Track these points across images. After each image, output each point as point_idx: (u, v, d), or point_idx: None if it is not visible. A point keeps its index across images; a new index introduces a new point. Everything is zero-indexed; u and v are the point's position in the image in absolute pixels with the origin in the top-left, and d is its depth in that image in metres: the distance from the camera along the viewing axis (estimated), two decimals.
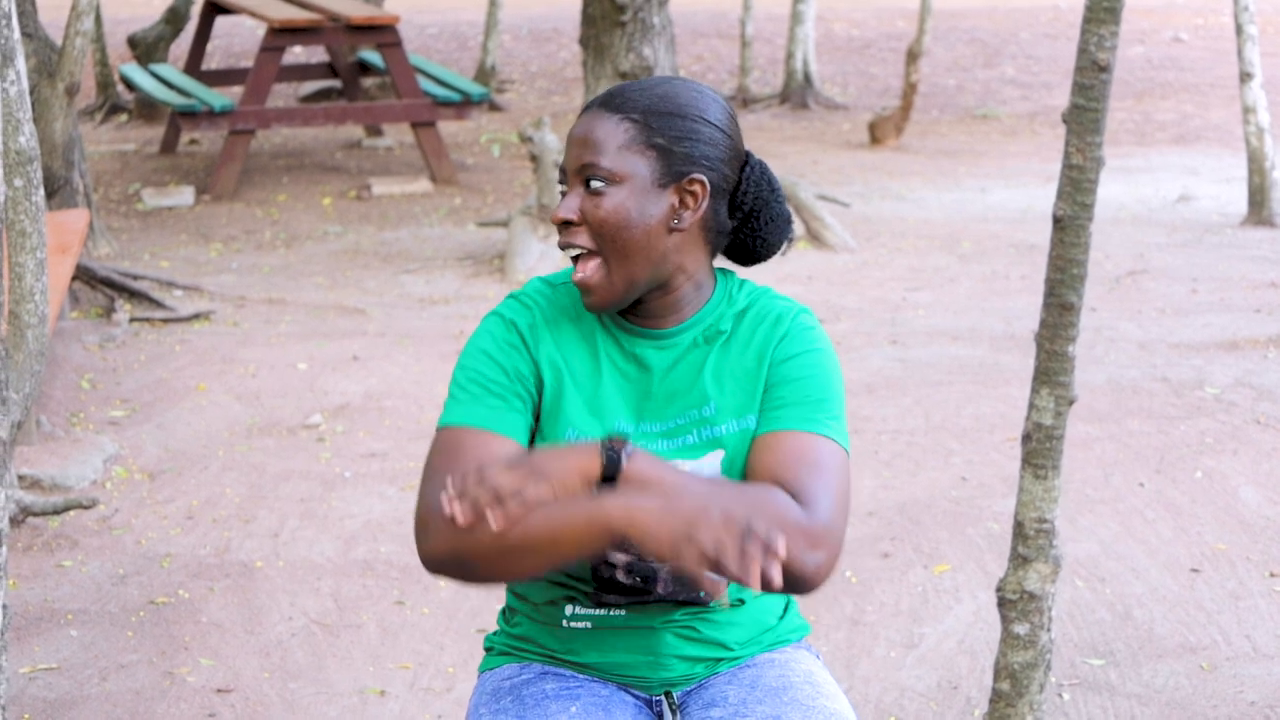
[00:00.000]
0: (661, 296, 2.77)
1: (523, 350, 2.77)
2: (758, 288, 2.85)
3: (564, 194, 2.76)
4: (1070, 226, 3.03)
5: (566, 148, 2.76)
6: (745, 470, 2.75)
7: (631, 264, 2.72)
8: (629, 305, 2.78)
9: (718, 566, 2.43)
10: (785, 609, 2.94)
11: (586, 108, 2.78)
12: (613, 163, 2.71)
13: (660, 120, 2.73)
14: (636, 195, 2.71)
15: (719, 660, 2.86)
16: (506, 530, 2.53)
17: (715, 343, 2.79)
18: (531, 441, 2.77)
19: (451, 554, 2.61)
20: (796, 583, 2.59)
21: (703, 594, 2.75)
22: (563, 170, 2.77)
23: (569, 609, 2.84)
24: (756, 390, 2.77)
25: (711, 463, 2.76)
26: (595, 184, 2.71)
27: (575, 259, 2.74)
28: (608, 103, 2.75)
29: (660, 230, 2.73)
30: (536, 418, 2.77)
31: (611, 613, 2.82)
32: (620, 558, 2.79)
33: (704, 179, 2.75)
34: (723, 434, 2.76)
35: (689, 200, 2.74)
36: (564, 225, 2.73)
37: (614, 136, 2.72)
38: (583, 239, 2.72)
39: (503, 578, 2.68)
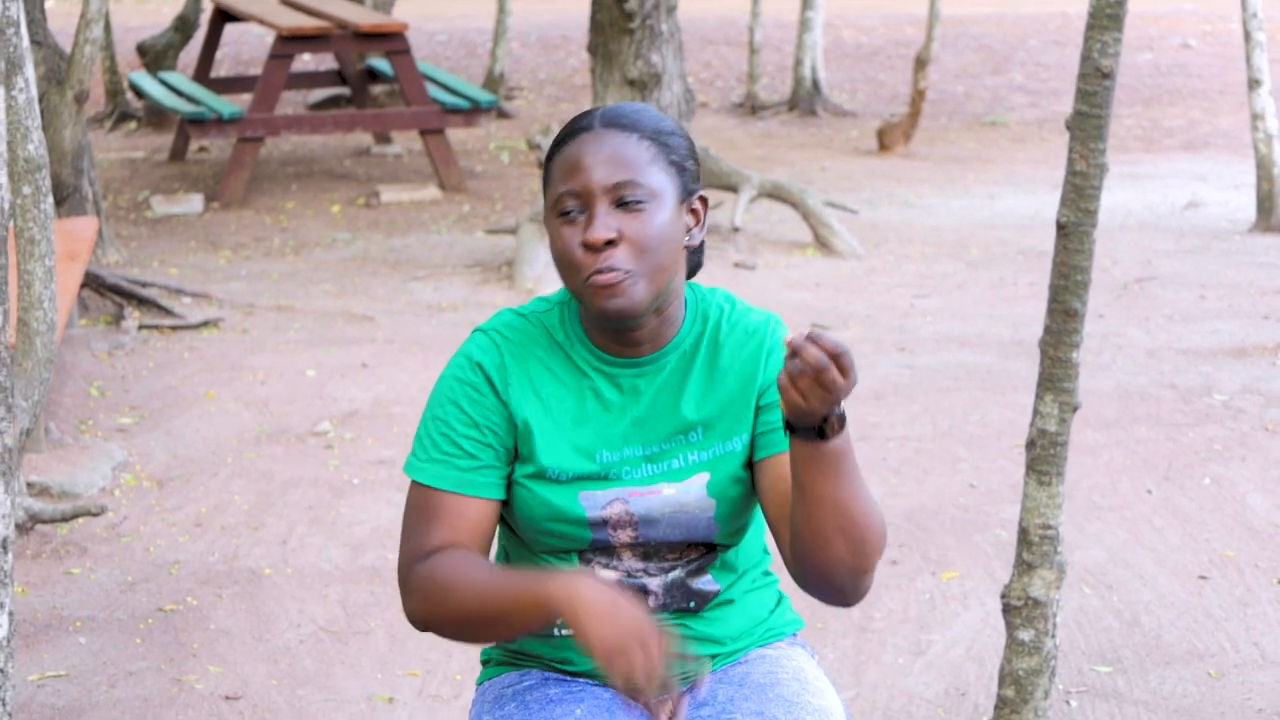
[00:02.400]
0: (654, 318, 2.74)
1: (491, 396, 2.76)
2: (721, 296, 2.85)
3: (573, 217, 2.68)
4: (1074, 233, 3.03)
5: (576, 170, 2.68)
6: (761, 494, 2.78)
7: (663, 278, 2.69)
8: (606, 336, 2.76)
9: (632, 691, 2.53)
10: (778, 602, 2.97)
11: (582, 128, 2.72)
12: (650, 180, 2.68)
13: (670, 139, 2.74)
14: (669, 212, 2.70)
15: (713, 656, 2.87)
16: (465, 612, 2.66)
17: (694, 364, 2.79)
18: (509, 483, 2.78)
19: (425, 623, 2.74)
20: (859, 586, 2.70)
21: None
22: (573, 193, 2.68)
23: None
24: (743, 414, 2.78)
25: (697, 484, 2.78)
26: (635, 202, 2.67)
27: (599, 277, 2.65)
28: (614, 122, 2.72)
29: (680, 247, 2.74)
30: (517, 453, 2.77)
31: None
32: (610, 575, 2.80)
33: (706, 197, 2.80)
34: (708, 458, 2.78)
35: (694, 218, 2.77)
36: (605, 246, 2.65)
37: (640, 154, 2.69)
38: (623, 259, 2.65)
39: (471, 643, 2.80)
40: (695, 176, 2.77)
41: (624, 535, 2.78)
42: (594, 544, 2.78)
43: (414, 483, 2.78)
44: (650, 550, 2.81)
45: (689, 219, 2.76)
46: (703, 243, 2.87)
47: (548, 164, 2.75)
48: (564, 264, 2.70)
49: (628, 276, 2.66)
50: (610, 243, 2.66)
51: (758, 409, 2.79)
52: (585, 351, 2.78)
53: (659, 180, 2.70)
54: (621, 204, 2.68)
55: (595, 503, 2.76)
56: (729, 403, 2.78)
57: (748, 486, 2.81)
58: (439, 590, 2.68)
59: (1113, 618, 5.14)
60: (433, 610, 2.70)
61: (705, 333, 2.80)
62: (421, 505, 2.77)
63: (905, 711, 4.61)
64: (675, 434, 2.78)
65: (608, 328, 2.74)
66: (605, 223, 2.66)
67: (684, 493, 2.77)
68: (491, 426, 2.76)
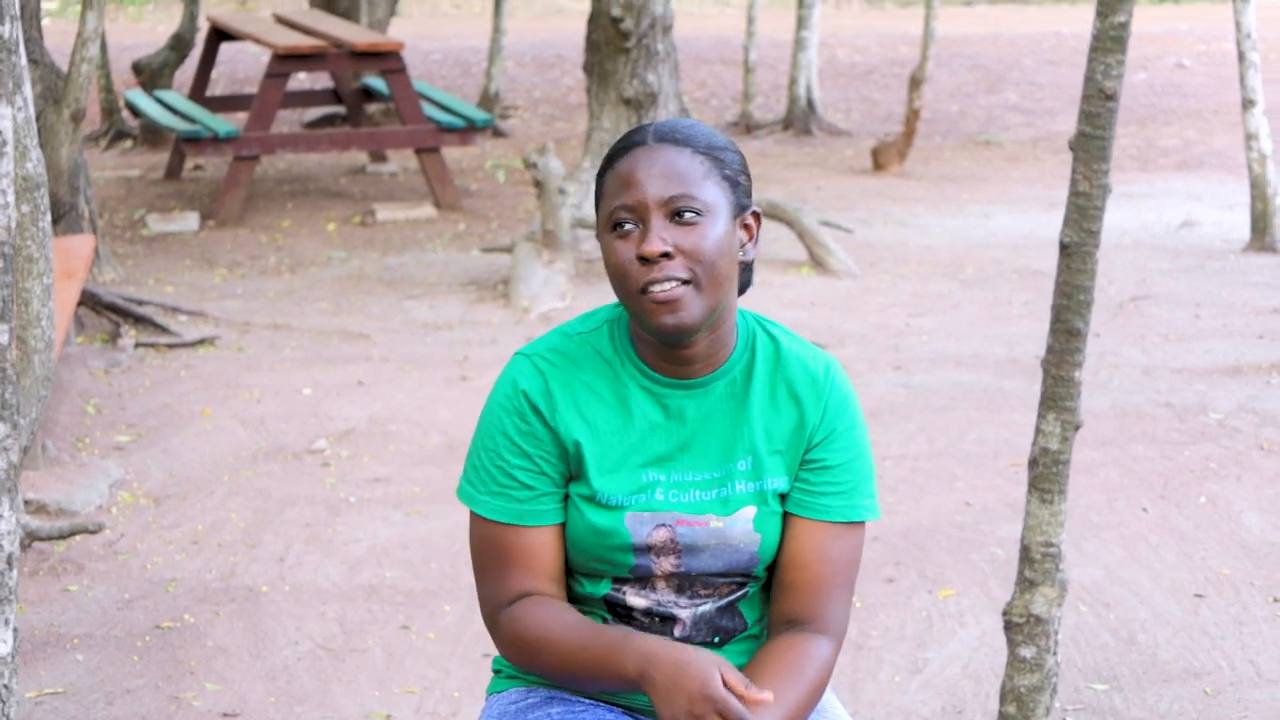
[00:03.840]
0: (708, 336, 2.74)
1: (538, 425, 2.76)
2: (777, 330, 2.85)
3: (627, 231, 2.69)
4: (1077, 253, 3.04)
5: (630, 184, 2.69)
6: (780, 543, 2.81)
7: (720, 292, 2.70)
8: (658, 355, 2.76)
9: None
10: None
11: (634, 143, 2.73)
12: (704, 193, 2.69)
13: (723, 154, 2.75)
14: (724, 225, 2.71)
15: None
16: (552, 671, 2.77)
17: (751, 393, 2.79)
18: (565, 500, 2.80)
19: (514, 663, 2.83)
20: None
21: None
22: (628, 208, 2.69)
23: None
24: (790, 457, 2.80)
25: (744, 518, 2.78)
26: (689, 215, 2.68)
27: (657, 290, 2.66)
28: (666, 137, 2.73)
29: (735, 261, 2.74)
30: (571, 472, 2.79)
31: None
32: (640, 602, 2.81)
33: (759, 212, 2.80)
34: (755, 492, 2.79)
35: (747, 233, 2.78)
36: (660, 258, 2.66)
37: (694, 168, 2.70)
38: (679, 270, 2.66)
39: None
40: (748, 192, 2.78)
41: (666, 563, 2.78)
42: (635, 570, 2.79)
43: (474, 513, 2.81)
44: (686, 582, 2.81)
45: (742, 234, 2.77)
46: (752, 262, 2.88)
47: (600, 179, 2.76)
48: (619, 277, 2.70)
49: (685, 290, 2.66)
50: (666, 255, 2.67)
51: (803, 461, 2.80)
52: (635, 370, 2.78)
53: (713, 194, 2.71)
54: (676, 217, 2.69)
55: (642, 528, 2.76)
56: (780, 442, 2.80)
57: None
58: (526, 646, 2.76)
59: (1109, 635, 5.14)
60: (523, 663, 2.79)
61: (757, 361, 2.80)
62: (488, 541, 2.80)
63: None
64: (725, 462, 2.78)
65: (662, 344, 2.74)
66: (661, 236, 2.67)
67: (730, 526, 2.78)
68: (543, 455, 2.77)
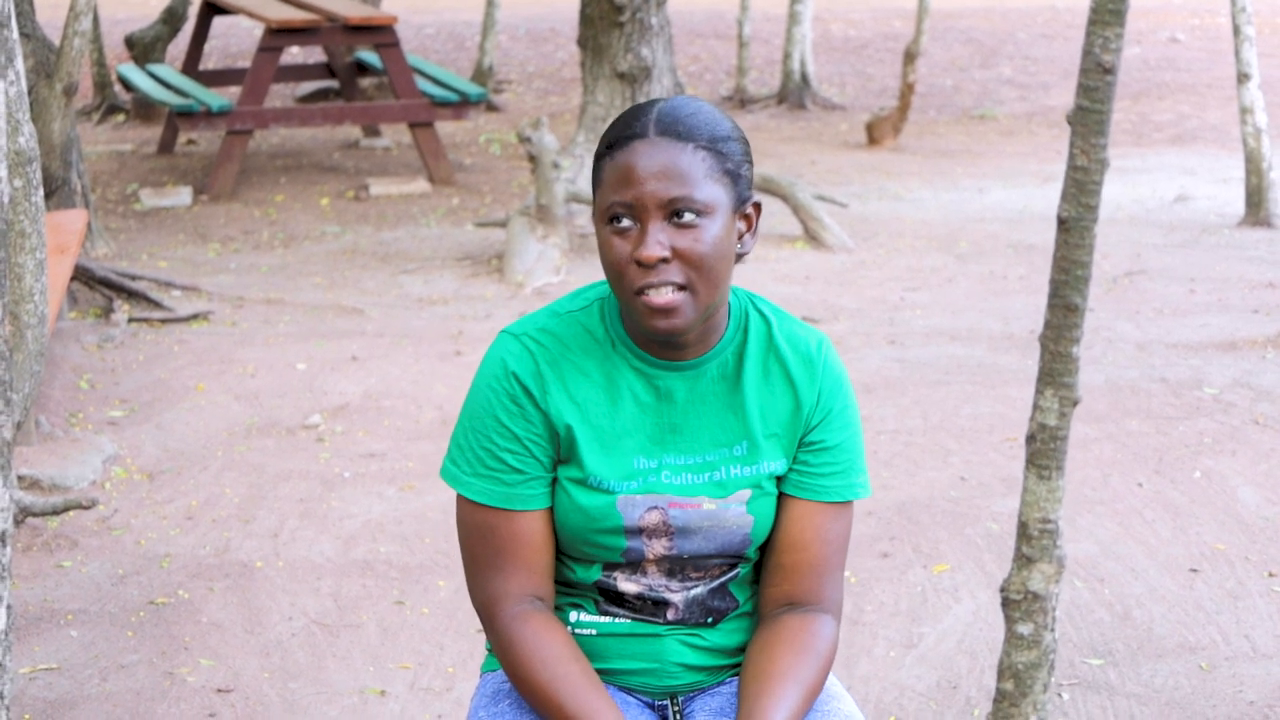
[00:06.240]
0: (701, 325, 2.70)
1: (529, 406, 2.72)
2: (769, 309, 2.81)
3: (624, 227, 2.63)
4: (1075, 228, 3.03)
5: (629, 180, 2.62)
6: (775, 524, 2.80)
7: (715, 292, 2.65)
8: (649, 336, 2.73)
9: None
10: None
11: (634, 134, 2.64)
12: (705, 194, 2.62)
13: (726, 146, 2.67)
14: (723, 224, 2.64)
15: (723, 668, 2.87)
16: (532, 704, 2.72)
17: (744, 375, 2.76)
18: (554, 484, 2.77)
19: (504, 669, 2.78)
20: None
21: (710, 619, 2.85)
22: (625, 204, 2.62)
23: (574, 615, 2.84)
24: (787, 439, 2.78)
25: (738, 501, 2.76)
26: (689, 217, 2.61)
27: (652, 295, 2.61)
28: (669, 130, 2.63)
29: (732, 260, 2.69)
30: (560, 456, 2.76)
31: (616, 620, 2.83)
32: (631, 587, 2.79)
33: (760, 204, 2.74)
34: (751, 475, 2.77)
35: (746, 223, 2.72)
36: (657, 263, 2.60)
37: (696, 167, 2.62)
38: (676, 274, 2.61)
39: None
40: (749, 182, 2.71)
41: (659, 546, 2.76)
42: (626, 554, 2.76)
43: (462, 496, 2.77)
44: (677, 565, 2.79)
45: (741, 225, 2.70)
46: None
47: (598, 163, 2.68)
48: (614, 274, 2.64)
49: (680, 297, 2.61)
50: (663, 260, 2.61)
51: (801, 442, 2.78)
52: (626, 350, 2.74)
53: (713, 193, 2.63)
54: (675, 218, 2.62)
55: (634, 510, 2.74)
56: (775, 424, 2.77)
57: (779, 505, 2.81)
58: (521, 672, 2.71)
59: (1104, 610, 5.14)
60: (509, 673, 2.75)
61: (750, 341, 2.77)
62: (477, 525, 2.76)
63: (897, 704, 4.61)
64: (719, 445, 2.76)
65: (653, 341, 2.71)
66: (658, 239, 2.60)
67: (724, 508, 2.75)
68: (533, 439, 2.73)
